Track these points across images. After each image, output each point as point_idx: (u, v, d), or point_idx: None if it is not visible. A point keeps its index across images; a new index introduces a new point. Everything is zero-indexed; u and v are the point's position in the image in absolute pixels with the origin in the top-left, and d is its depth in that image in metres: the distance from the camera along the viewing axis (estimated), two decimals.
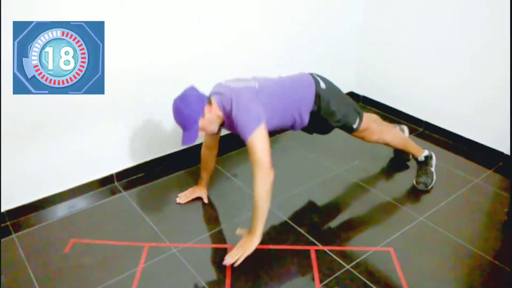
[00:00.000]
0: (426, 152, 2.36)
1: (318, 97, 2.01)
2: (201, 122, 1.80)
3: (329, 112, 2.04)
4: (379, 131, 2.23)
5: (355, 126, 2.14)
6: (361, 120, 2.15)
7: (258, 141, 1.76)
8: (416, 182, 2.33)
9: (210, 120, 1.84)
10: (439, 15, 2.66)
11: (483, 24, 2.46)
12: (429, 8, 2.69)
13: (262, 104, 1.83)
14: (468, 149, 2.71)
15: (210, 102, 1.85)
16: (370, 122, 2.21)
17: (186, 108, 1.77)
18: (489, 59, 2.48)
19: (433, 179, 2.33)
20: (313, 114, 2.03)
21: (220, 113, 1.87)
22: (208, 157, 2.23)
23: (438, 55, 2.73)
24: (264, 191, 1.76)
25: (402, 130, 2.54)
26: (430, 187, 2.30)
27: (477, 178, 2.42)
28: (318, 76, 2.08)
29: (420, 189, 2.30)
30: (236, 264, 1.78)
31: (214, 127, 1.90)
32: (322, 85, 2.03)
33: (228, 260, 1.79)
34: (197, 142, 2.44)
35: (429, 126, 2.92)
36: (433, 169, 2.36)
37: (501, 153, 2.57)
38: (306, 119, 2.04)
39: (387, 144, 2.33)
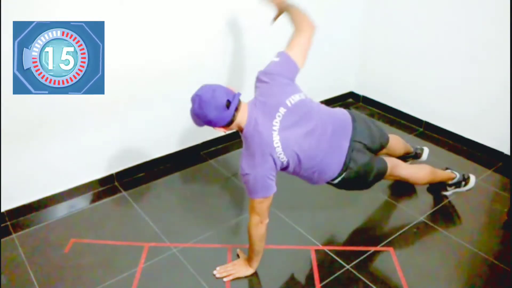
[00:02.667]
0: (457, 178, 2.20)
1: (341, 177, 1.79)
2: (220, 129, 1.65)
3: (334, 186, 1.86)
4: (399, 178, 2.03)
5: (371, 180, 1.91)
6: (370, 186, 1.93)
7: (259, 202, 1.63)
8: (444, 190, 2.26)
9: (219, 130, 1.66)
10: (439, 15, 2.66)
11: (483, 24, 2.45)
12: (429, 8, 2.69)
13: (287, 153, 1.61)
14: (468, 149, 2.71)
15: (230, 123, 1.59)
16: (391, 173, 1.95)
17: (198, 119, 1.59)
18: (489, 59, 2.48)
19: (452, 187, 2.23)
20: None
21: (238, 129, 1.65)
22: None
23: (438, 55, 2.73)
24: (259, 234, 1.71)
25: (421, 151, 2.42)
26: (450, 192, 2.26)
27: (477, 178, 2.42)
28: (351, 162, 1.75)
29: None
30: (225, 280, 1.77)
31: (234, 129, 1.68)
32: (338, 179, 1.78)
33: (220, 271, 1.80)
34: (190, 144, 2.44)
35: (429, 126, 2.91)
36: (447, 192, 2.26)
37: (501, 153, 2.57)
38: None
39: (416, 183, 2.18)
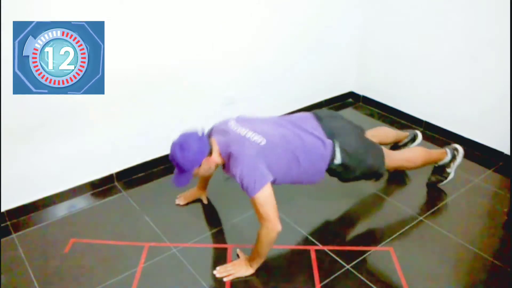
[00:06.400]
0: (447, 159, 2.27)
1: (331, 170, 1.92)
2: (196, 170, 1.73)
3: (340, 177, 1.98)
4: (396, 167, 2.15)
5: (372, 181, 2.10)
6: (381, 175, 2.05)
7: (263, 199, 1.66)
8: (428, 178, 2.35)
9: (205, 169, 1.76)
10: (439, 15, 2.66)
11: (483, 24, 2.46)
12: (429, 8, 2.69)
13: (266, 163, 1.70)
14: (468, 149, 2.71)
15: (210, 153, 1.73)
16: (388, 164, 2.05)
17: (182, 158, 1.68)
18: (489, 59, 2.48)
19: (447, 179, 2.30)
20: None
21: (220, 161, 1.77)
22: None
23: (438, 55, 2.73)
24: (269, 240, 1.71)
25: (416, 137, 2.52)
26: (440, 184, 2.32)
27: (477, 178, 2.42)
28: (340, 146, 1.86)
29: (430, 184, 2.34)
30: (225, 279, 1.77)
31: (209, 172, 1.83)
32: (338, 160, 1.86)
33: (220, 271, 1.80)
34: None
35: (429, 126, 2.91)
36: (450, 170, 2.29)
37: (501, 153, 2.57)
38: (319, 176, 1.93)
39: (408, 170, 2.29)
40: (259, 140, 1.72)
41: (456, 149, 2.32)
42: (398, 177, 2.47)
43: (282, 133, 1.80)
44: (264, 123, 1.84)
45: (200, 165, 1.71)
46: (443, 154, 2.28)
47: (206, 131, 1.81)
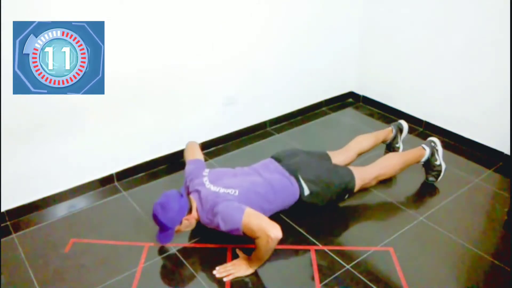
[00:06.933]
0: (426, 154, 2.31)
1: (302, 201, 2.04)
2: (178, 227, 1.85)
3: (316, 206, 2.08)
4: (374, 178, 2.19)
5: (346, 198, 2.17)
6: (352, 190, 2.13)
7: (250, 221, 1.71)
8: (425, 178, 2.39)
9: (186, 225, 1.88)
10: (439, 15, 2.66)
11: (483, 24, 2.45)
12: (428, 9, 2.69)
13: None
14: (468, 149, 2.71)
15: (190, 211, 1.87)
16: (363, 178, 2.15)
17: (164, 217, 1.80)
18: (489, 59, 2.48)
19: (441, 171, 2.33)
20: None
21: (198, 217, 1.89)
22: None
23: (438, 55, 2.73)
24: (269, 248, 1.73)
25: (400, 126, 2.56)
26: (439, 179, 2.35)
27: (477, 178, 2.42)
28: (304, 178, 2.02)
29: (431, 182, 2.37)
30: (225, 279, 1.77)
31: (190, 228, 1.93)
32: (306, 191, 2.02)
33: (220, 271, 1.80)
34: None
35: (429, 126, 2.91)
36: (438, 162, 2.34)
37: (501, 153, 2.57)
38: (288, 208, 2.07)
39: (392, 176, 2.33)
40: (232, 192, 1.87)
41: (432, 141, 2.37)
42: (398, 176, 2.47)
43: (252, 181, 1.96)
44: (233, 176, 2.00)
45: (181, 223, 1.84)
46: (420, 150, 2.31)
47: (183, 189, 1.94)
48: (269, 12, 2.65)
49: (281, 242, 1.90)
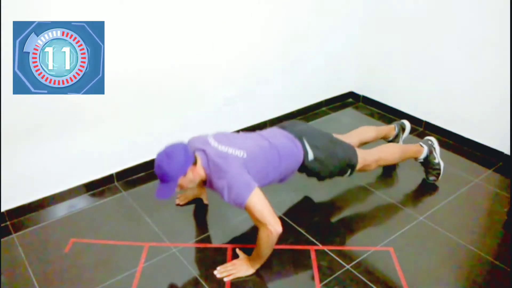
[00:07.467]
0: (424, 153, 2.33)
1: (304, 167, 2.00)
2: (181, 180, 1.73)
3: (318, 176, 2.06)
4: (375, 161, 2.18)
5: (347, 174, 2.13)
6: (354, 168, 2.11)
7: (255, 203, 1.67)
8: (426, 178, 2.39)
9: (190, 180, 1.77)
10: (439, 15, 2.66)
11: (484, 24, 2.45)
12: (428, 9, 2.69)
13: (249, 173, 1.76)
14: (468, 149, 2.71)
15: (195, 163, 1.77)
16: (365, 158, 2.14)
17: (169, 165, 1.69)
18: (489, 59, 2.48)
19: (441, 169, 2.35)
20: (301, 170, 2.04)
21: (203, 174, 1.80)
22: None
23: (438, 55, 2.73)
24: (270, 243, 1.72)
25: (403, 125, 2.56)
26: (440, 177, 2.36)
27: (477, 178, 2.42)
28: (309, 143, 2.00)
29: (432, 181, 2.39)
30: (225, 280, 1.77)
31: (192, 185, 1.84)
32: (311, 156, 1.98)
33: (221, 271, 1.80)
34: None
35: (429, 126, 2.91)
36: (436, 160, 2.35)
37: (501, 153, 2.57)
38: (292, 174, 2.04)
39: (389, 165, 2.35)
40: (241, 154, 1.79)
41: (429, 140, 2.40)
42: (398, 176, 2.47)
43: (259, 145, 1.90)
44: (240, 138, 1.93)
45: (185, 174, 1.72)
46: (418, 147, 2.34)
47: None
48: (269, 12, 2.65)
49: (281, 242, 1.91)
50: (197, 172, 1.77)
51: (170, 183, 1.71)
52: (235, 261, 1.85)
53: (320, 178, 2.08)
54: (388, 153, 2.25)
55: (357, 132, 2.37)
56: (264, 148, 1.89)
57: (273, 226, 1.67)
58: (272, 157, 1.89)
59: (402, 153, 2.29)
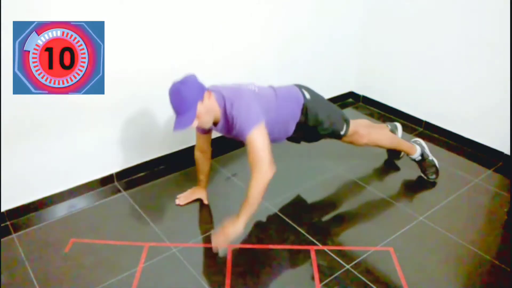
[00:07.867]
0: (418, 150, 2.37)
1: (305, 108, 2.03)
2: (200, 107, 1.71)
3: (317, 122, 2.06)
4: (367, 133, 2.23)
5: (342, 132, 2.16)
6: (348, 126, 2.17)
7: (258, 138, 1.74)
8: (426, 177, 2.40)
9: (208, 108, 1.75)
10: (439, 15, 2.66)
11: (484, 24, 2.46)
12: (428, 9, 2.69)
13: (260, 107, 1.83)
14: (468, 149, 2.71)
15: (209, 93, 1.79)
16: (358, 126, 2.22)
17: (186, 90, 1.69)
18: (489, 60, 2.48)
19: (437, 165, 2.38)
20: (300, 125, 2.05)
21: (217, 108, 1.81)
22: (203, 159, 2.20)
23: (438, 55, 2.73)
24: (258, 191, 1.74)
25: (395, 128, 2.56)
26: (439, 174, 2.39)
27: (477, 178, 2.42)
28: (303, 87, 2.11)
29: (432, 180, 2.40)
30: (215, 251, 1.77)
31: (209, 119, 1.80)
32: (308, 96, 2.05)
33: (215, 249, 1.81)
34: (190, 144, 2.45)
35: (429, 126, 2.92)
36: (430, 157, 2.39)
37: (501, 153, 2.57)
38: (291, 130, 2.07)
39: (378, 146, 2.37)
40: (253, 88, 1.90)
41: (416, 140, 2.48)
42: (398, 176, 2.47)
43: (265, 90, 2.01)
44: (248, 84, 2.00)
45: (203, 100, 1.72)
46: (412, 144, 2.40)
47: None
48: (269, 12, 2.65)
49: (281, 242, 1.91)
50: (213, 100, 1.79)
51: (189, 111, 1.70)
52: (220, 229, 1.79)
53: (319, 124, 2.06)
54: (381, 134, 2.34)
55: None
56: (269, 93, 1.99)
57: (267, 167, 1.70)
58: (277, 94, 1.99)
59: (394, 139, 2.37)
